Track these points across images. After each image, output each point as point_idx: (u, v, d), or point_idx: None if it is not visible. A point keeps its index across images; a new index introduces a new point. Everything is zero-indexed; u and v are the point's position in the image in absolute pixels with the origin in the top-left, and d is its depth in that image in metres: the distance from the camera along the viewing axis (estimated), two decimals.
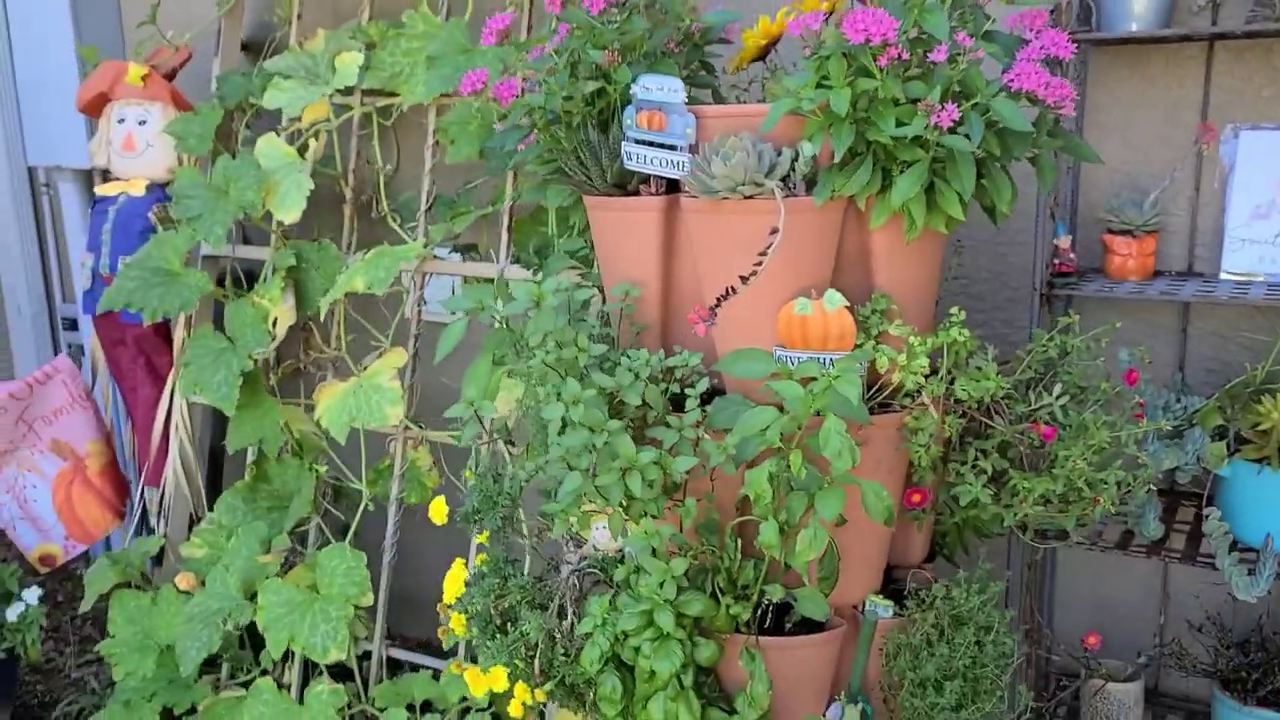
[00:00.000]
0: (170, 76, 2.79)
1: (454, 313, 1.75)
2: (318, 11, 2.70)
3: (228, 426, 2.50)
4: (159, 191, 2.76)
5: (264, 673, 2.44)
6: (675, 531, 1.47)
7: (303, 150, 2.46)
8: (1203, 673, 1.93)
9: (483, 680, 1.55)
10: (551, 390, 1.43)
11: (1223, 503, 1.79)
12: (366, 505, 2.45)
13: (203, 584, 2.55)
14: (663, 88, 1.48)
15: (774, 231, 1.38)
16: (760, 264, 1.38)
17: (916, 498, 1.62)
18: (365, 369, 2.36)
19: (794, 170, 1.44)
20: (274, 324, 2.41)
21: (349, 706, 2.30)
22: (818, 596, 1.51)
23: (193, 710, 2.49)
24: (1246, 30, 1.76)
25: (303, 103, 2.36)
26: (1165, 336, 1.99)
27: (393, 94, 2.46)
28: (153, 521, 2.84)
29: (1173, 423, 1.77)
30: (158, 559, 2.78)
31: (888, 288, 1.52)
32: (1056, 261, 1.90)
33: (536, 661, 1.56)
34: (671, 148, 1.50)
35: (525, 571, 1.75)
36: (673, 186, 1.58)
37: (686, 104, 1.48)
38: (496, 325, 1.73)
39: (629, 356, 1.49)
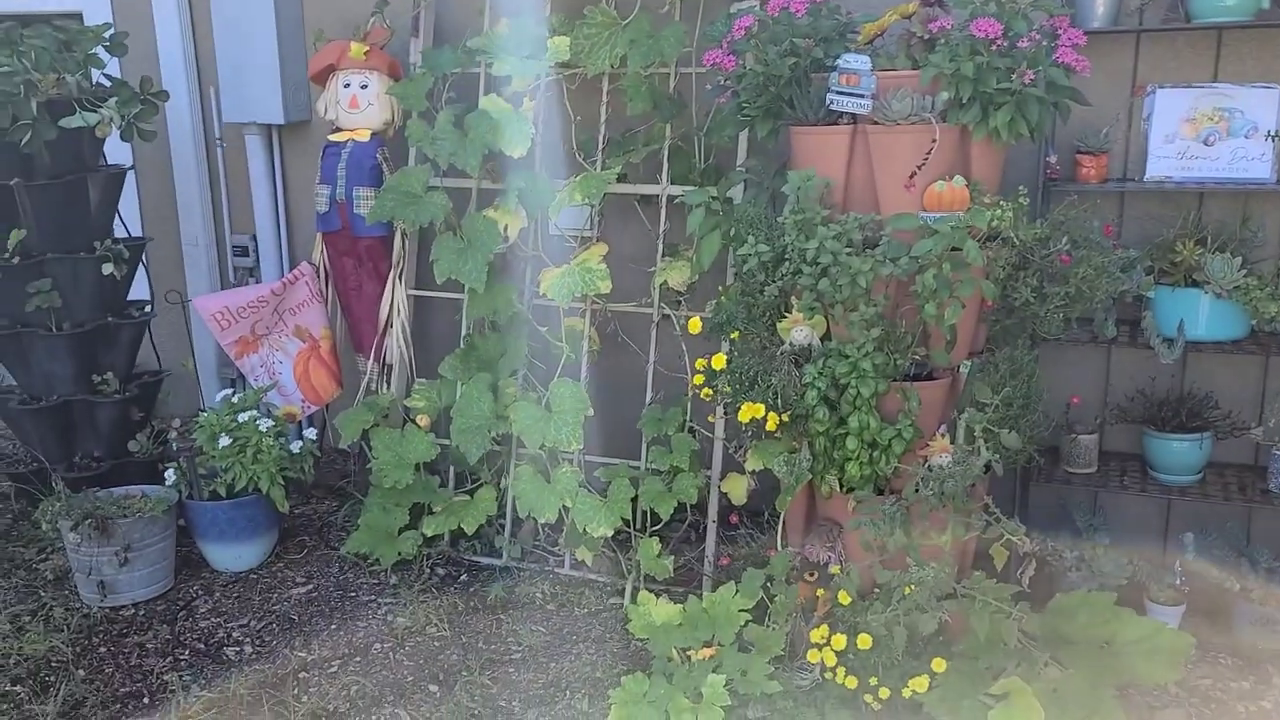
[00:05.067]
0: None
1: (692, 207, 2.84)
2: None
3: (465, 304, 3.48)
4: (378, 139, 3.71)
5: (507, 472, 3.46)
6: (873, 313, 2.58)
7: (517, 106, 3.45)
8: (1136, 421, 3.15)
9: (750, 410, 2.64)
10: (803, 235, 2.52)
11: (1151, 311, 3.00)
12: (568, 358, 3.48)
13: (433, 423, 3.56)
14: (857, 62, 2.58)
15: (933, 142, 2.50)
16: (926, 160, 2.50)
17: (987, 304, 2.76)
18: (576, 257, 3.38)
19: (934, 108, 2.56)
20: (505, 229, 3.41)
21: (580, 483, 3.34)
22: (944, 354, 2.65)
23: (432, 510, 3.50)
24: (1160, 27, 2.97)
25: (527, 72, 3.36)
26: (1112, 216, 3.19)
27: (575, 66, 3.47)
28: (374, 385, 3.80)
29: (1121, 263, 2.97)
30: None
31: (980, 177, 2.66)
32: (1048, 171, 3.07)
33: (779, 400, 2.66)
34: (861, 96, 2.60)
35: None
36: (849, 120, 2.68)
37: (870, 70, 2.59)
38: (719, 212, 2.83)
39: (842, 217, 2.59)
